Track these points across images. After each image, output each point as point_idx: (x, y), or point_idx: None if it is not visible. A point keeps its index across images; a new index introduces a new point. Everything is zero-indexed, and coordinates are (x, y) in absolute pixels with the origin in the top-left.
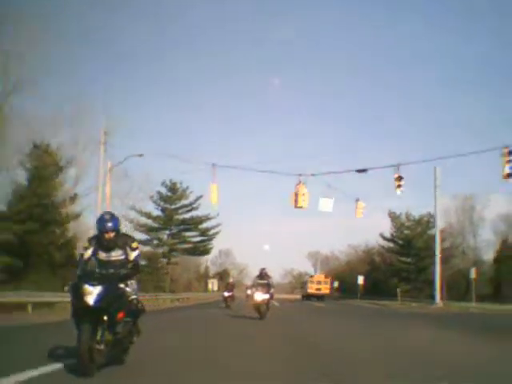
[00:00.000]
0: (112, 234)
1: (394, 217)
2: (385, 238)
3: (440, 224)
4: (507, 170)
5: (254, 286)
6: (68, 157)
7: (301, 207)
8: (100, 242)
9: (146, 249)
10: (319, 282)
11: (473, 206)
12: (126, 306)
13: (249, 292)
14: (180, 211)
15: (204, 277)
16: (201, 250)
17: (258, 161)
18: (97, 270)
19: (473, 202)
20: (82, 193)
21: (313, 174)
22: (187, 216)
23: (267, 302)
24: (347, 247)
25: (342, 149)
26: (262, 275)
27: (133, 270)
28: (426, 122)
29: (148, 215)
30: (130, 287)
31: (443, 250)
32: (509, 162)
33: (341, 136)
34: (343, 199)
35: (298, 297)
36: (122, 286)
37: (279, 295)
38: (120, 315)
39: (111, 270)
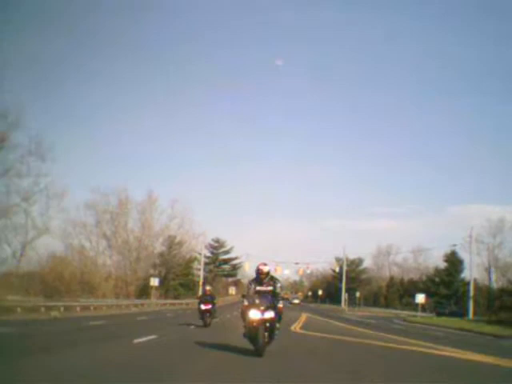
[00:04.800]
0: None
1: (337, 259)
2: (333, 271)
3: (367, 263)
4: None
5: (249, 296)
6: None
7: (276, 272)
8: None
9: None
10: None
11: (389, 252)
12: None
13: (245, 303)
14: (221, 253)
15: (226, 285)
16: (231, 274)
17: None
18: None
19: (390, 250)
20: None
21: (282, 262)
22: (225, 256)
23: (270, 325)
24: (327, 264)
25: None
26: (261, 278)
27: None
28: None
29: (205, 255)
30: None
31: (364, 279)
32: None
33: None
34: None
35: None
36: None
37: None
38: None
39: None
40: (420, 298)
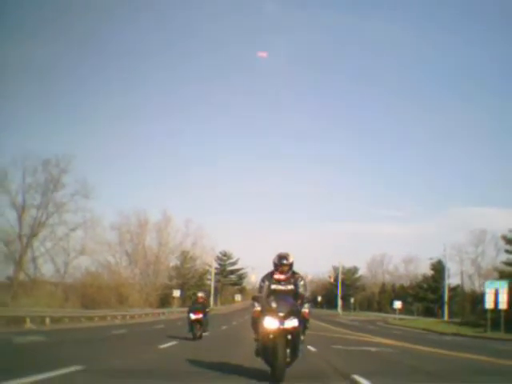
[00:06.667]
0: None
1: (335, 268)
2: (329, 277)
3: (362, 271)
4: None
5: (261, 298)
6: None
7: None
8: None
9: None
10: None
11: (382, 261)
12: None
13: (257, 308)
14: (228, 265)
15: (232, 293)
16: (238, 283)
17: None
18: None
19: (383, 259)
20: None
21: None
22: (232, 268)
23: (292, 338)
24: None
25: None
26: (282, 272)
27: None
28: None
29: (215, 267)
30: None
31: (359, 286)
32: None
33: None
34: None
35: None
36: None
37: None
38: None
39: None
40: (397, 304)
